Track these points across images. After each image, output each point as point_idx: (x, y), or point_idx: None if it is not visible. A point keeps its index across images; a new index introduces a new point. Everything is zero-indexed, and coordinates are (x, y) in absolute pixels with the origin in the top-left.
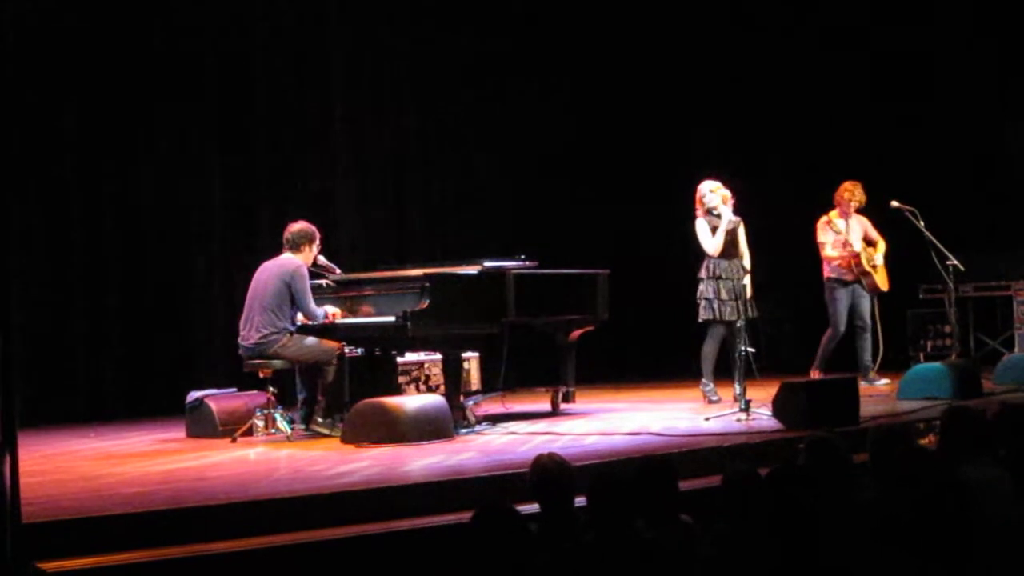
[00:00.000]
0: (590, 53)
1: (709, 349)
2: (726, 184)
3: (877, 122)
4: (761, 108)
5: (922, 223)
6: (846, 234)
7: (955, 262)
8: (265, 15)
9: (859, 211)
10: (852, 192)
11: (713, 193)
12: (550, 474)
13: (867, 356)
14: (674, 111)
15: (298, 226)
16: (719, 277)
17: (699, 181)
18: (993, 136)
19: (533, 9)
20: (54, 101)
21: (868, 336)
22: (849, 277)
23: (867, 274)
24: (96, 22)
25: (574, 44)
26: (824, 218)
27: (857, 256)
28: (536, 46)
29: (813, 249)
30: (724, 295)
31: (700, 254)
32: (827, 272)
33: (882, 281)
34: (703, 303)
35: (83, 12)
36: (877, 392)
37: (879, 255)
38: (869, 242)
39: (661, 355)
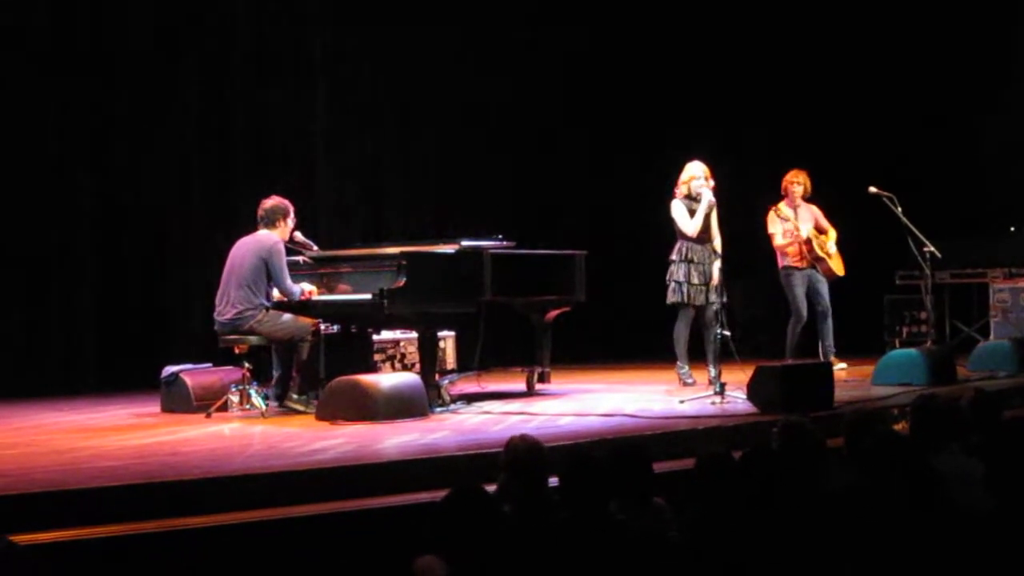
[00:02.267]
0: (572, 35)
1: (680, 331)
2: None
3: (856, 109)
4: (741, 93)
5: (899, 209)
6: (795, 222)
7: (932, 249)
8: None
9: (809, 200)
10: (800, 182)
11: (707, 180)
12: (522, 455)
13: (829, 340)
14: (653, 92)
15: (271, 202)
16: (691, 260)
17: (680, 161)
18: (971, 123)
19: None
20: (31, 78)
21: (830, 321)
22: (802, 264)
23: (820, 260)
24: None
25: (555, 27)
26: (772, 209)
27: (808, 242)
28: (514, 27)
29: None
30: (695, 279)
31: (676, 235)
32: (781, 262)
33: (837, 267)
34: (673, 285)
35: None
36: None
37: (831, 243)
38: (820, 230)
39: (637, 336)
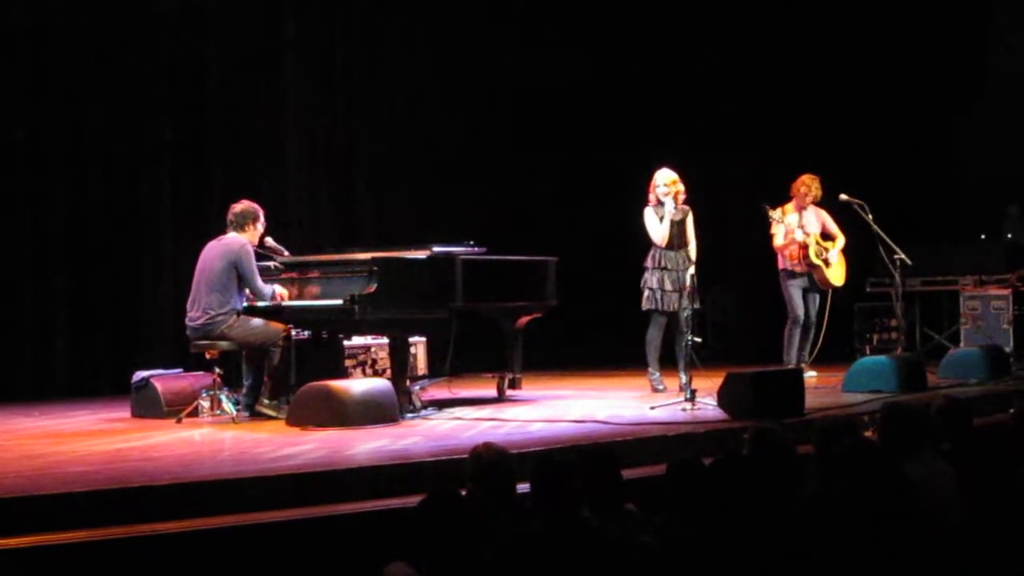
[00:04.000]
0: (545, 43)
1: (652, 337)
2: (679, 173)
3: (828, 115)
4: (716, 98)
5: (870, 216)
6: (797, 226)
7: (902, 256)
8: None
9: (819, 204)
10: (809, 186)
11: (667, 187)
12: (488, 464)
13: (804, 350)
14: (627, 97)
15: (241, 206)
16: (664, 267)
17: (653, 168)
18: (942, 131)
19: None
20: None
21: (811, 333)
22: (799, 269)
23: (816, 267)
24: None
25: (526, 37)
26: (778, 210)
27: (804, 248)
28: (486, 34)
29: (762, 238)
30: (668, 286)
31: (647, 243)
32: (780, 264)
33: (834, 276)
34: (646, 292)
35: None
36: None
37: (834, 250)
38: (827, 236)
39: (609, 343)
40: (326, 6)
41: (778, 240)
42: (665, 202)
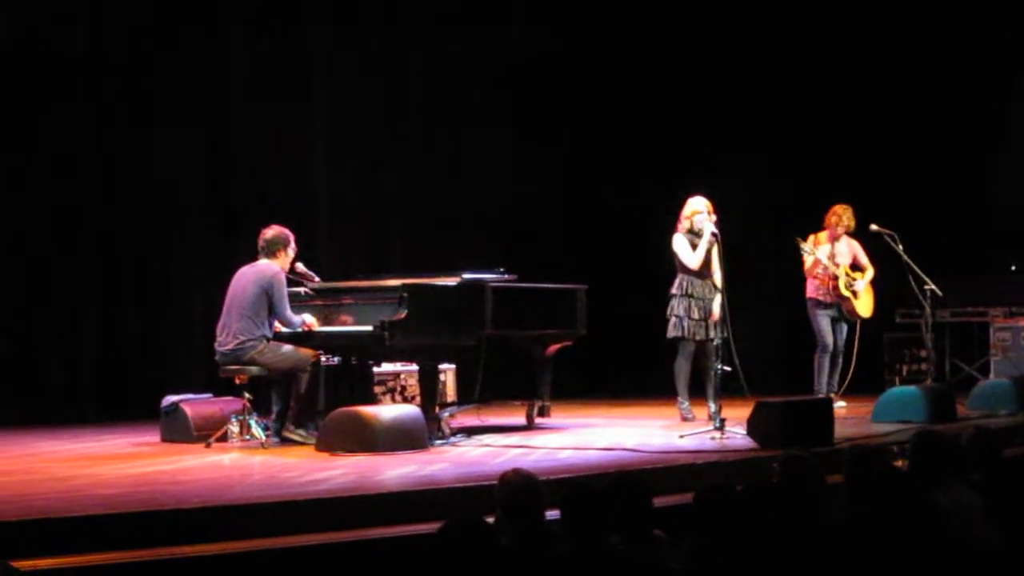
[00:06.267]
0: (571, 65)
1: (681, 366)
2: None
3: (859, 145)
4: (745, 127)
5: (901, 247)
6: (828, 257)
7: (933, 287)
8: (244, 18)
9: (852, 235)
10: (840, 216)
11: (710, 215)
12: (517, 490)
13: (832, 379)
14: (654, 125)
15: (271, 232)
16: (691, 295)
17: (682, 196)
18: (973, 162)
19: (524, 18)
20: (30, 99)
21: (839, 361)
22: (827, 299)
23: (845, 299)
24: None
25: (555, 60)
26: (812, 238)
27: (835, 279)
28: (515, 58)
29: (787, 269)
30: (695, 314)
31: (675, 270)
32: (808, 292)
33: (863, 307)
34: (673, 320)
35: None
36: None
37: (862, 281)
38: (857, 267)
39: (638, 371)
40: (355, 28)
41: (808, 264)
42: (704, 227)
